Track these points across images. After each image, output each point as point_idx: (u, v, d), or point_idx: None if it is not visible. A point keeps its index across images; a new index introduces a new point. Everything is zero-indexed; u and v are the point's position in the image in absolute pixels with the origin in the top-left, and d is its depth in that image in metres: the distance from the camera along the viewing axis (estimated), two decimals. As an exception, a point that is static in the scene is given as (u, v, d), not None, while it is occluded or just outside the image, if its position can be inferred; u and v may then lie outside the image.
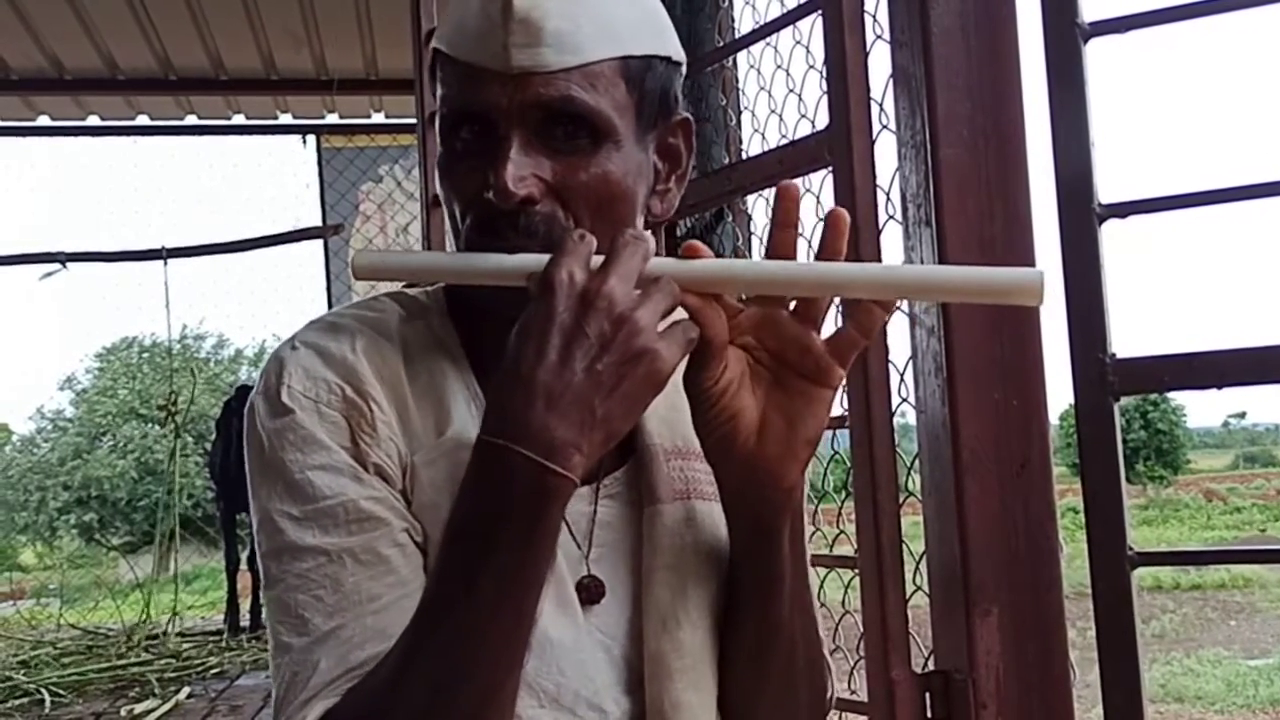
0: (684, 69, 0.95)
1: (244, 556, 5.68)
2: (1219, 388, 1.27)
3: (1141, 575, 1.29)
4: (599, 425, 0.76)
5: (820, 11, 1.51)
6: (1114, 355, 1.31)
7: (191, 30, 5.81)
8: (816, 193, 1.57)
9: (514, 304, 0.81)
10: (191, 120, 6.84)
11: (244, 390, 5.55)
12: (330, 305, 6.44)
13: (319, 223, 6.42)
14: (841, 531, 2.13)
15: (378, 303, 0.97)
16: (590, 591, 0.92)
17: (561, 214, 0.86)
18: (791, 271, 0.82)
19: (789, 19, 1.62)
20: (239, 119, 6.89)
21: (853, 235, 1.46)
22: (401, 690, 0.78)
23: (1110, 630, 1.29)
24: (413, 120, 6.93)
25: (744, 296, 0.85)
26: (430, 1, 2.51)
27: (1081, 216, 1.33)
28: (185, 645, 5.67)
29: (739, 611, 0.94)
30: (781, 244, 0.83)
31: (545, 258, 0.79)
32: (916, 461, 1.50)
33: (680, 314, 0.81)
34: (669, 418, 0.97)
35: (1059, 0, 1.35)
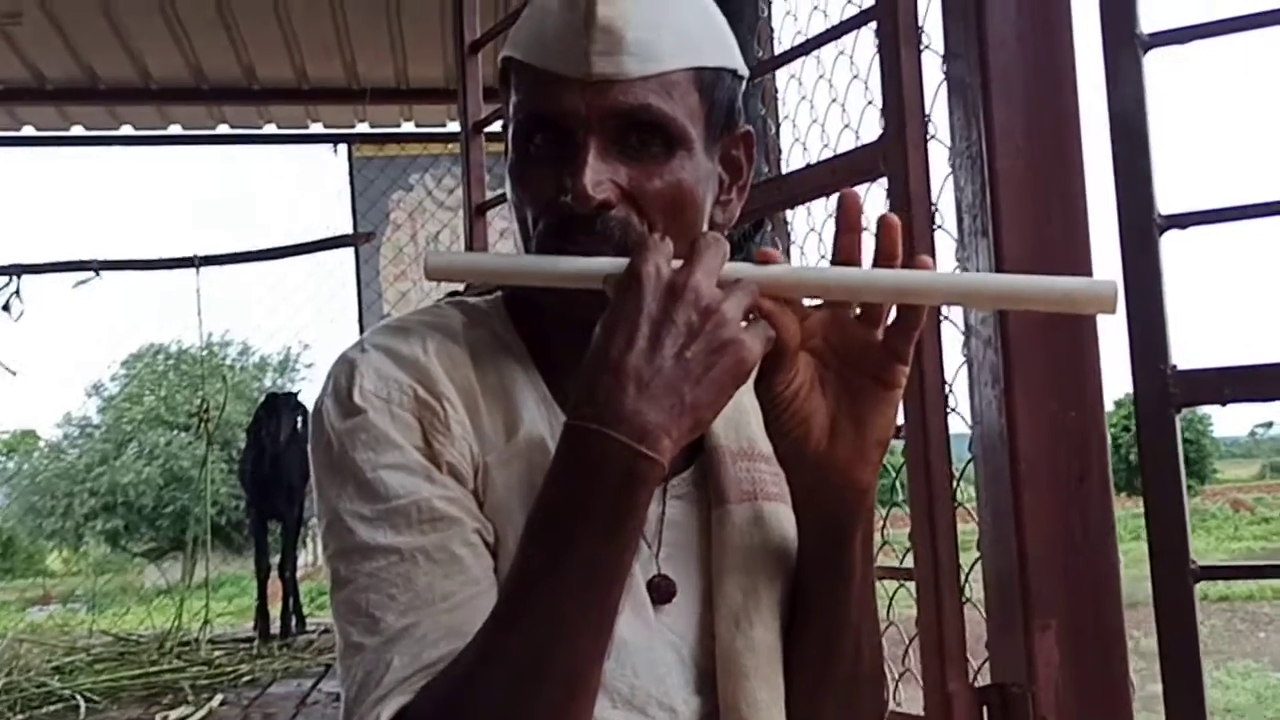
0: (745, 83, 0.97)
1: (274, 564, 5.72)
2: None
3: (1169, 586, 1.29)
4: (688, 412, 0.77)
5: (875, 23, 1.51)
6: (1175, 367, 1.30)
7: (224, 41, 5.86)
8: (869, 204, 1.56)
9: (587, 307, 0.83)
10: (223, 129, 6.90)
11: (273, 398, 5.58)
12: (361, 313, 6.47)
13: (349, 231, 6.45)
14: (886, 541, 2.12)
15: (439, 309, 0.98)
16: (661, 591, 0.93)
17: (636, 219, 0.88)
18: (867, 278, 0.83)
19: (842, 30, 1.62)
20: (270, 128, 6.93)
21: (909, 245, 1.46)
22: (481, 683, 0.77)
23: (1174, 644, 1.29)
24: (442, 129, 7.03)
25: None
26: (474, 14, 2.53)
27: (1142, 227, 1.32)
28: (217, 653, 5.69)
29: (808, 614, 0.95)
30: (846, 248, 0.85)
31: (623, 261, 0.81)
32: (967, 470, 1.49)
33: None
34: (734, 419, 0.99)
35: (1117, 11, 1.35)
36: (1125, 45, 1.34)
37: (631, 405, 0.76)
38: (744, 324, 0.81)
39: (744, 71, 0.96)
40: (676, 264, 0.81)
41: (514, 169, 0.93)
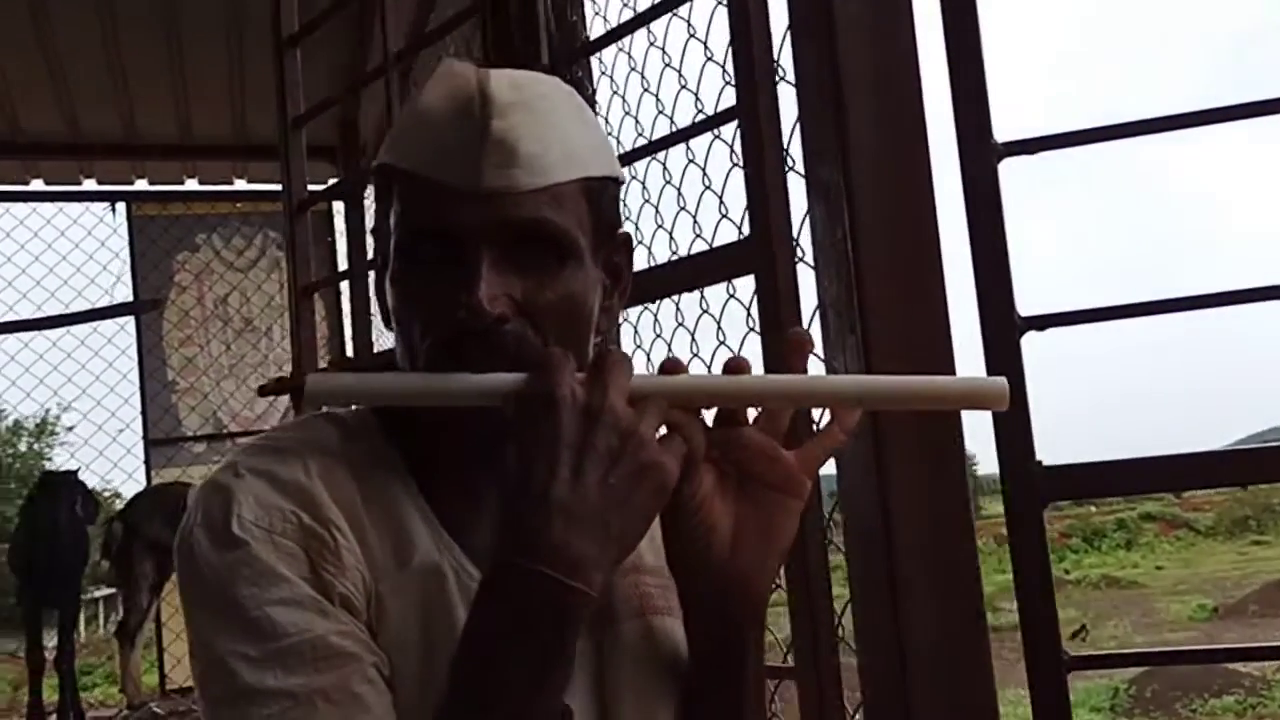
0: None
1: (50, 659, 5.23)
2: (1139, 493, 1.33)
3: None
4: (615, 541, 0.75)
5: (737, 121, 1.52)
6: (1041, 463, 1.35)
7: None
8: (742, 300, 1.57)
9: (481, 425, 0.81)
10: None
11: (50, 478, 5.14)
12: (143, 380, 6.09)
13: (130, 293, 6.08)
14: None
15: (313, 424, 0.93)
16: None
17: (531, 333, 0.85)
18: (768, 385, 0.84)
19: (703, 127, 1.63)
20: (38, 184, 6.48)
21: (780, 343, 1.48)
22: None
23: (1049, 732, 1.33)
24: (229, 187, 6.74)
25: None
26: (296, 87, 2.42)
27: (1003, 328, 1.37)
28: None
29: None
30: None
31: (521, 377, 0.79)
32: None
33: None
34: None
35: (974, 120, 1.40)
36: (982, 153, 1.39)
37: (560, 538, 0.73)
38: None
39: (624, 178, 0.96)
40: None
41: (399, 282, 0.89)
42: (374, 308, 3.34)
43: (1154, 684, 10.10)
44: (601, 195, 0.90)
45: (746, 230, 1.53)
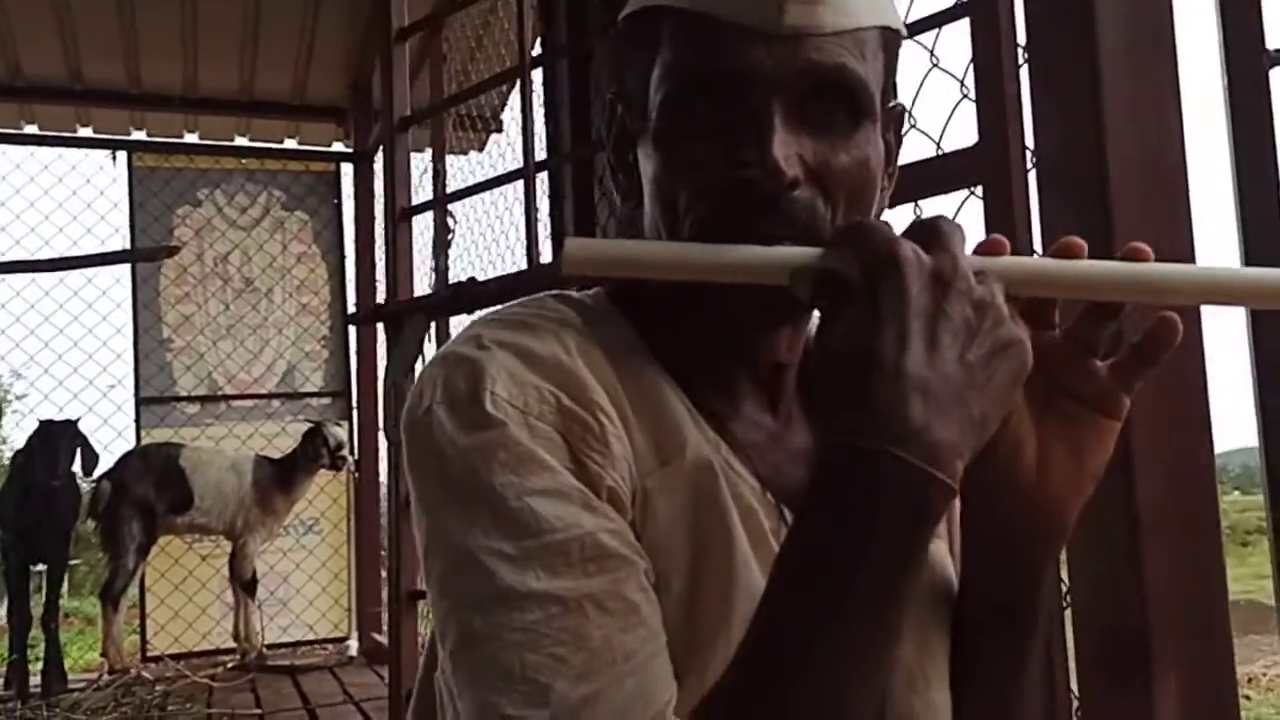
0: None
1: (36, 615, 4.97)
2: None
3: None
4: (975, 426, 0.64)
5: (969, 18, 1.39)
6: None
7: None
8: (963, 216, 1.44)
9: (748, 307, 0.74)
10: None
11: (48, 426, 4.90)
12: (137, 336, 5.85)
13: (127, 245, 5.86)
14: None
15: (548, 302, 0.80)
16: None
17: (820, 201, 0.73)
18: (1119, 274, 0.70)
19: (930, 23, 1.50)
20: (32, 130, 6.24)
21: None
22: None
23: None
24: (230, 144, 6.53)
25: None
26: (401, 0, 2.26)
27: (1269, 243, 1.26)
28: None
29: (982, 668, 0.82)
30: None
31: (814, 251, 0.68)
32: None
33: None
34: None
35: (1243, 25, 1.29)
36: (1252, 60, 1.28)
37: (920, 419, 0.61)
38: None
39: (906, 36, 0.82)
40: None
41: (663, 140, 0.76)
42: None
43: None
44: (895, 50, 0.78)
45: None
